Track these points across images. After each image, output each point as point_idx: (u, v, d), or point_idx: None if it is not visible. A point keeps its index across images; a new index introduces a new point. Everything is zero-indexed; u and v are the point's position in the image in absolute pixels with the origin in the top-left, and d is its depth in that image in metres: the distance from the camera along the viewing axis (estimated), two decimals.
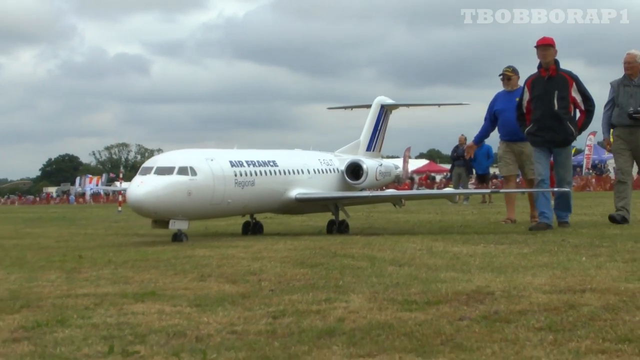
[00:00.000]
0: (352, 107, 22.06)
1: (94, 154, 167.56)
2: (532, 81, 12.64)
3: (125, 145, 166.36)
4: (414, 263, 8.53)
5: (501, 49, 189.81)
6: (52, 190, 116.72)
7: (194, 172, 12.29)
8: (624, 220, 12.96)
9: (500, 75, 15.32)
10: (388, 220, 18.03)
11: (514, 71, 15.19)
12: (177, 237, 12.45)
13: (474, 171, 29.37)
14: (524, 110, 12.73)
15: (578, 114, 12.71)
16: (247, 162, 13.95)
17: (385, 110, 19.75)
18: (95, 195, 79.46)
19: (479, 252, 9.25)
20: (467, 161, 26.95)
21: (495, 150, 24.15)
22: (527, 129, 12.71)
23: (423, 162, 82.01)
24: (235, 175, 13.36)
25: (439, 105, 23.23)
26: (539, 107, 12.41)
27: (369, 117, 19.68)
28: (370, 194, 16.22)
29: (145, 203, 11.92)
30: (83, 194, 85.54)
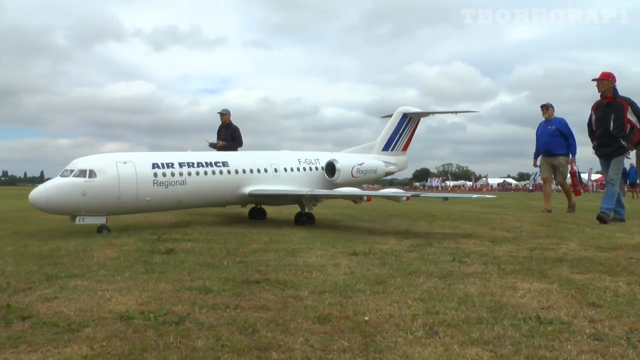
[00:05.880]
0: (390, 115, 12.68)
1: None
2: (596, 106, 8.53)
3: None
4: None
5: None
6: None
7: (93, 175, 7.19)
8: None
9: (542, 106, 10.91)
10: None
11: (551, 106, 10.84)
12: (100, 229, 7.33)
13: (627, 180, 22.39)
14: (593, 128, 8.60)
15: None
16: (180, 163, 8.18)
17: (408, 118, 12.09)
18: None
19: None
20: (624, 173, 20.90)
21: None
22: (593, 145, 8.67)
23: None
24: (156, 176, 7.81)
25: (455, 112, 13.62)
26: (599, 127, 8.41)
27: (389, 123, 12.19)
28: (308, 193, 8.75)
29: (37, 202, 7.01)
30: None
